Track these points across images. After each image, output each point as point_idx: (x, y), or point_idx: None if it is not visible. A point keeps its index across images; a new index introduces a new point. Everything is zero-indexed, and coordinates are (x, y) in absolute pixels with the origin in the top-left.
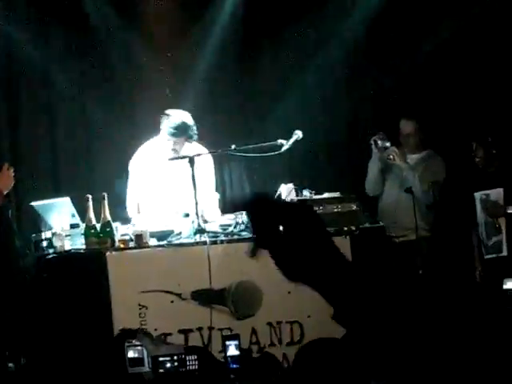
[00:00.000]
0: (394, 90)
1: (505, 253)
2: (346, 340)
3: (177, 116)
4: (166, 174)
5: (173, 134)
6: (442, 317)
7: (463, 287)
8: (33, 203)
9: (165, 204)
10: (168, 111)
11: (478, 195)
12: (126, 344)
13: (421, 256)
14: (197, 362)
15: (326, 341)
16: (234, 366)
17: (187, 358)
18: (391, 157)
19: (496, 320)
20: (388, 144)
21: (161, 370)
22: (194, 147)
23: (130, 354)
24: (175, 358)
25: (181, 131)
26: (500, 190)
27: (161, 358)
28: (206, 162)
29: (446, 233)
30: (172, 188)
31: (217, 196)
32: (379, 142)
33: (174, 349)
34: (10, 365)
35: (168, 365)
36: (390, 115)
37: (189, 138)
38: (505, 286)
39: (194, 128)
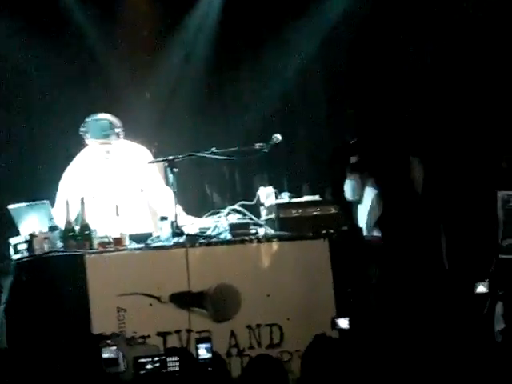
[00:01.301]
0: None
1: None
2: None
3: (101, 117)
4: (102, 178)
5: (103, 136)
6: (424, 320)
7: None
8: (10, 206)
9: (105, 206)
10: (90, 117)
11: (500, 194)
12: (101, 345)
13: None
14: (178, 364)
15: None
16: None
17: (168, 360)
18: None
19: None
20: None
21: (141, 372)
22: (127, 145)
23: (105, 354)
24: (156, 359)
25: (108, 130)
26: None
27: (142, 360)
28: (146, 158)
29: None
30: (111, 189)
31: (170, 190)
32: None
33: (153, 350)
34: None
35: (149, 366)
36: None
37: (117, 137)
38: (476, 290)
39: (120, 125)
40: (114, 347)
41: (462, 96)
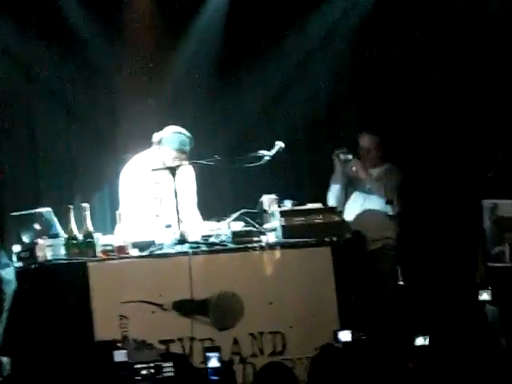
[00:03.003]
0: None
1: (509, 263)
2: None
3: (184, 133)
4: (155, 186)
5: (180, 150)
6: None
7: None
8: (12, 214)
9: (153, 215)
10: (173, 128)
11: (486, 203)
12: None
13: (388, 264)
14: (173, 369)
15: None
16: (215, 378)
17: (164, 365)
18: (354, 169)
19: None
20: (350, 157)
21: (137, 378)
22: None
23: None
24: (151, 364)
25: (187, 147)
26: (509, 202)
27: (137, 366)
28: (188, 174)
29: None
30: (162, 200)
31: (197, 212)
32: (341, 155)
33: (151, 355)
34: None
35: (144, 372)
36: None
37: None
38: (480, 298)
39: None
40: (125, 351)
41: (446, 103)
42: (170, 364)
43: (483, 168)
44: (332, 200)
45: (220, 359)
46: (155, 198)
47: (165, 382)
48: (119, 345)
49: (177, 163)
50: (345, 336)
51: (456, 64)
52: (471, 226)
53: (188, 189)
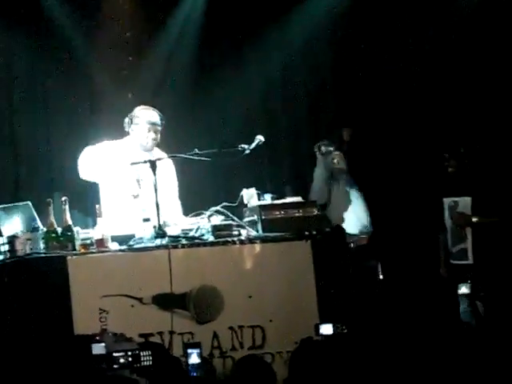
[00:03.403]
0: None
1: (470, 261)
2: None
3: (151, 109)
4: (131, 178)
5: (155, 124)
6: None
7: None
8: None
9: (130, 208)
10: (141, 107)
11: (446, 201)
12: (92, 341)
13: (376, 259)
14: (151, 358)
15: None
16: (195, 374)
17: (141, 354)
18: (335, 161)
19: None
20: (331, 149)
21: (115, 366)
22: (155, 152)
23: (95, 351)
24: (129, 353)
25: (159, 123)
26: (468, 199)
27: (115, 354)
28: (169, 168)
29: (406, 236)
30: (138, 192)
31: (179, 203)
32: (323, 147)
33: (129, 345)
34: None
35: (122, 360)
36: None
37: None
38: (459, 291)
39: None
40: (103, 344)
41: (403, 98)
42: (148, 353)
43: (442, 160)
44: (314, 195)
45: (200, 355)
46: (132, 193)
47: (143, 370)
48: (98, 338)
49: (156, 138)
50: (326, 329)
51: (420, 58)
52: (433, 223)
53: (168, 182)
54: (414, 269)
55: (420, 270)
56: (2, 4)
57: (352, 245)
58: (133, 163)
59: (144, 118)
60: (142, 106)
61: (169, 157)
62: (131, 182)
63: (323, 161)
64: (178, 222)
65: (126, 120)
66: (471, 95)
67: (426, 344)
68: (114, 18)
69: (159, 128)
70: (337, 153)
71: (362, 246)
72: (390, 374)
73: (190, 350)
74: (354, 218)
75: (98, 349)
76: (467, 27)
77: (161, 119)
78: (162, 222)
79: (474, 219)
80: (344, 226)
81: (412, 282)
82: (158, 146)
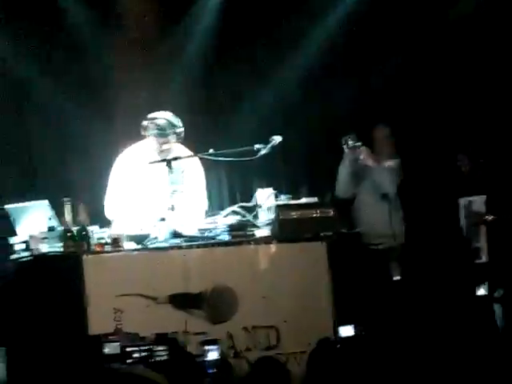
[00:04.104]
0: (372, 96)
1: (484, 259)
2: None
3: (161, 116)
4: (151, 178)
5: (160, 135)
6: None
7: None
8: (7, 206)
9: (149, 207)
10: (151, 114)
11: (462, 201)
12: (103, 340)
13: (398, 262)
14: (166, 353)
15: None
16: (211, 370)
17: (156, 349)
18: (361, 156)
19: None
20: (359, 144)
21: (129, 361)
22: (181, 150)
23: (107, 350)
24: (143, 348)
25: (167, 130)
26: (482, 198)
27: (128, 349)
28: (193, 166)
29: (424, 238)
30: (157, 192)
31: (205, 202)
32: (350, 141)
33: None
34: None
35: (136, 355)
36: (367, 122)
37: (177, 137)
38: (478, 293)
39: (180, 126)
40: (117, 343)
41: (418, 98)
42: (163, 348)
43: (457, 160)
44: (339, 188)
45: (219, 352)
46: (149, 191)
47: (158, 365)
48: (110, 337)
49: (164, 150)
50: (346, 331)
51: (436, 59)
52: (449, 224)
53: (192, 180)
54: (432, 270)
55: (438, 272)
56: (13, 16)
57: (375, 247)
58: (150, 162)
59: (153, 131)
60: (151, 114)
61: (185, 157)
62: (146, 182)
63: (349, 155)
64: (196, 221)
65: (143, 124)
66: (486, 94)
67: (442, 346)
68: (126, 20)
69: (170, 133)
70: (364, 148)
71: (386, 249)
72: (406, 377)
73: (207, 347)
74: (381, 220)
75: (111, 348)
76: (483, 30)
77: (171, 125)
78: (178, 222)
79: (489, 218)
80: (370, 226)
81: (430, 283)
82: (182, 143)
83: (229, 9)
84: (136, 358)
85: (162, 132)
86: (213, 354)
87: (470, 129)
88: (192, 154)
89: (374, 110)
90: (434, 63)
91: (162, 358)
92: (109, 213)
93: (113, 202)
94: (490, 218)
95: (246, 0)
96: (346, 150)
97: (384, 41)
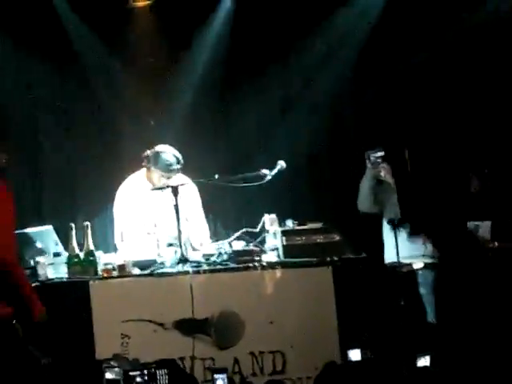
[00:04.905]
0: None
1: None
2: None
3: (168, 151)
4: (153, 205)
5: (168, 170)
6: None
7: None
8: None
9: (153, 234)
10: (157, 148)
11: (469, 224)
12: (104, 365)
13: (426, 285)
14: (167, 377)
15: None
16: None
17: (158, 373)
18: (382, 173)
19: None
20: (379, 160)
21: None
22: (178, 177)
23: (108, 375)
24: (145, 372)
25: (174, 166)
26: (488, 224)
27: (131, 373)
28: (192, 191)
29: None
30: (160, 219)
31: (206, 226)
32: (372, 156)
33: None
34: None
35: (138, 379)
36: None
37: (179, 171)
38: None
39: (182, 162)
40: (117, 368)
41: (428, 116)
42: (165, 371)
43: (466, 180)
44: (360, 202)
45: (227, 380)
46: (154, 218)
47: None
48: (111, 363)
49: (165, 182)
50: (355, 355)
51: (446, 73)
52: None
53: (192, 205)
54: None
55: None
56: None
57: (402, 269)
58: (154, 188)
59: (160, 165)
60: (159, 148)
61: (189, 183)
62: (148, 209)
63: (371, 170)
64: (204, 244)
65: (146, 154)
66: (497, 114)
67: (454, 370)
68: (138, 44)
69: (176, 169)
70: (384, 165)
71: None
72: None
73: (216, 375)
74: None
75: (112, 373)
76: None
77: (177, 161)
78: (183, 248)
79: (493, 244)
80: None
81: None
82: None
83: (237, 32)
84: (139, 382)
85: (170, 168)
86: (220, 383)
87: (483, 148)
88: (189, 180)
89: (383, 131)
90: (445, 83)
91: (164, 382)
92: (119, 245)
93: (123, 236)
94: (496, 244)
95: (254, 27)
96: (369, 165)
97: (393, 63)
